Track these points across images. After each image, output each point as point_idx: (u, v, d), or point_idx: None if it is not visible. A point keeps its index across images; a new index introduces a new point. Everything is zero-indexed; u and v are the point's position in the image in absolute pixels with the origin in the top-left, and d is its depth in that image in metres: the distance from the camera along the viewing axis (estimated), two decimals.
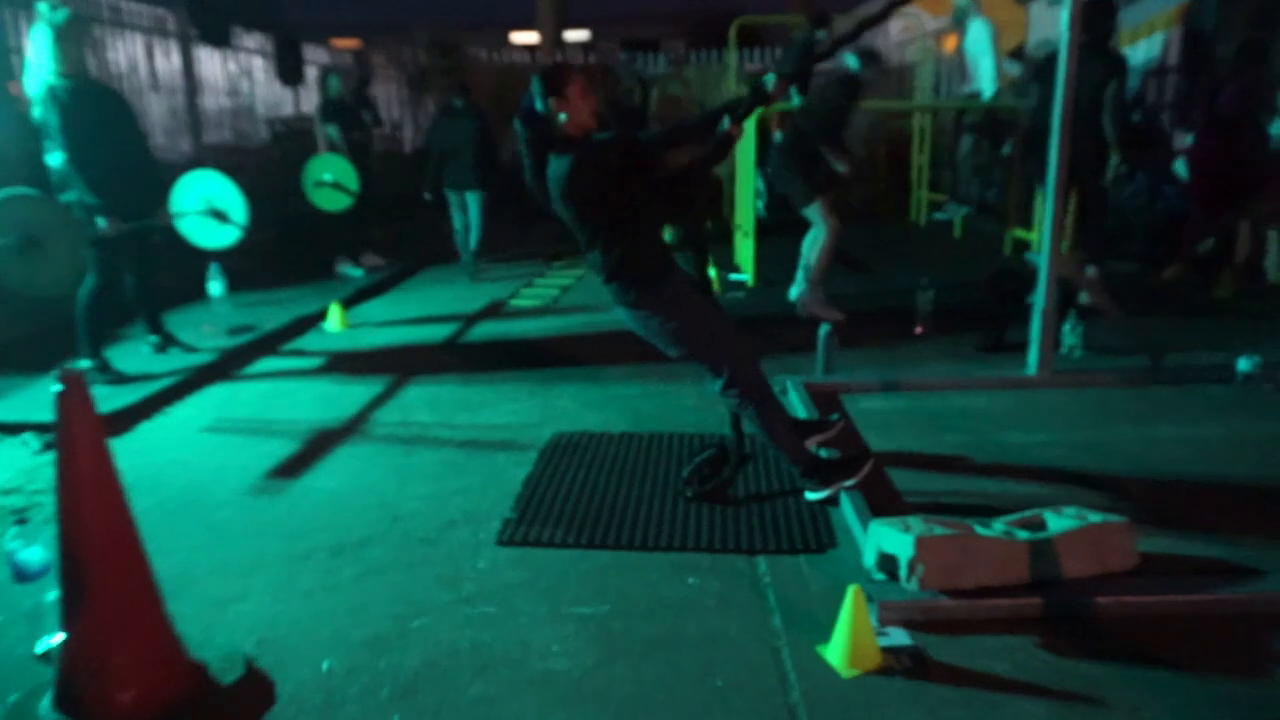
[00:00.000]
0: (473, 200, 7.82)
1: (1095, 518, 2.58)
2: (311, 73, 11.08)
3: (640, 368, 4.74)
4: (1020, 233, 7.49)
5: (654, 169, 3.04)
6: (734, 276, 7.12)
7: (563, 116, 2.95)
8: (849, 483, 3.10)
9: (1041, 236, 4.23)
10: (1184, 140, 8.21)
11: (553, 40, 16.16)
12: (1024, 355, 4.38)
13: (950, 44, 14.99)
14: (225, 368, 5.07)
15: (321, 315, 6.26)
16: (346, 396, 4.54)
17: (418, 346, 5.61)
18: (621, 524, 3.01)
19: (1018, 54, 11.57)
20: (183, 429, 4.15)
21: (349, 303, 6.66)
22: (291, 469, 3.59)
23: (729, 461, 3.24)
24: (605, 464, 3.55)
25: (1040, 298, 4.30)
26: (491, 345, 5.62)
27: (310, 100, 10.84)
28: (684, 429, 3.92)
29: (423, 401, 4.44)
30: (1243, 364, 4.33)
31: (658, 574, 2.70)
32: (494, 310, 6.62)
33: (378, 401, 4.45)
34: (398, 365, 5.12)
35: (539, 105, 2.99)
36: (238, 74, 10.17)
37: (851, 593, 2.24)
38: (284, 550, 2.88)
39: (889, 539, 2.46)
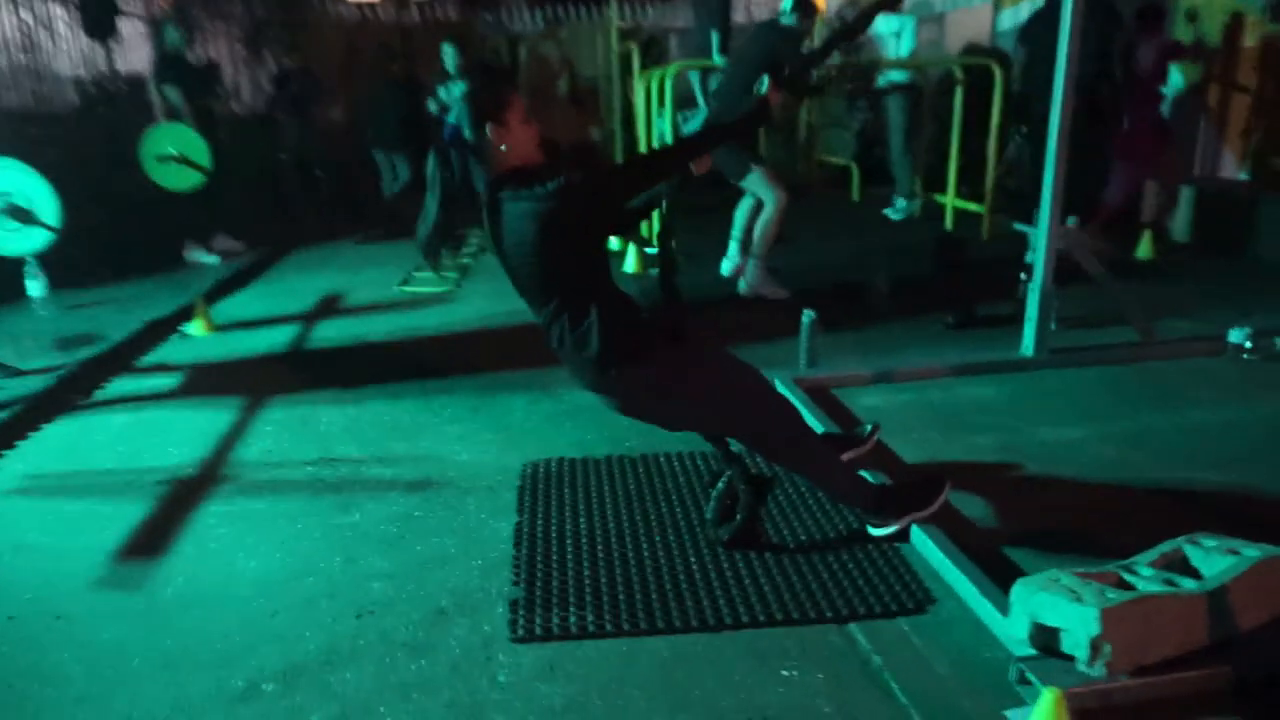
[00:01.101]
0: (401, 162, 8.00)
1: (1252, 552, 2.15)
2: (127, 26, 9.49)
3: None
4: (960, 203, 7.22)
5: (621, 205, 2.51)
6: (651, 251, 6.48)
7: (503, 147, 2.31)
8: (923, 514, 2.58)
9: (1041, 208, 3.84)
10: None
11: None
12: (998, 332, 4.12)
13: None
14: (65, 395, 3.98)
15: (181, 316, 5.17)
16: (237, 427, 3.61)
17: (311, 352, 4.67)
18: (663, 593, 2.36)
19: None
20: (18, 493, 3.12)
21: (210, 298, 5.56)
22: (191, 545, 2.71)
23: (749, 491, 2.62)
24: (604, 504, 2.87)
25: (1039, 273, 3.93)
26: (404, 345, 4.75)
27: (126, 58, 9.28)
28: (672, 443, 3.27)
29: (340, 427, 3.58)
30: (1234, 335, 4.14)
31: (739, 666, 2.08)
32: (391, 300, 5.71)
33: (283, 431, 3.55)
34: (293, 378, 4.20)
35: (468, 134, 2.32)
36: (33, 25, 8.51)
37: (1052, 701, 1.70)
38: (212, 688, 2.03)
39: (1052, 608, 1.94)
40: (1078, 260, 4.12)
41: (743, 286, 5.40)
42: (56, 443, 3.54)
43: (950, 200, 7.18)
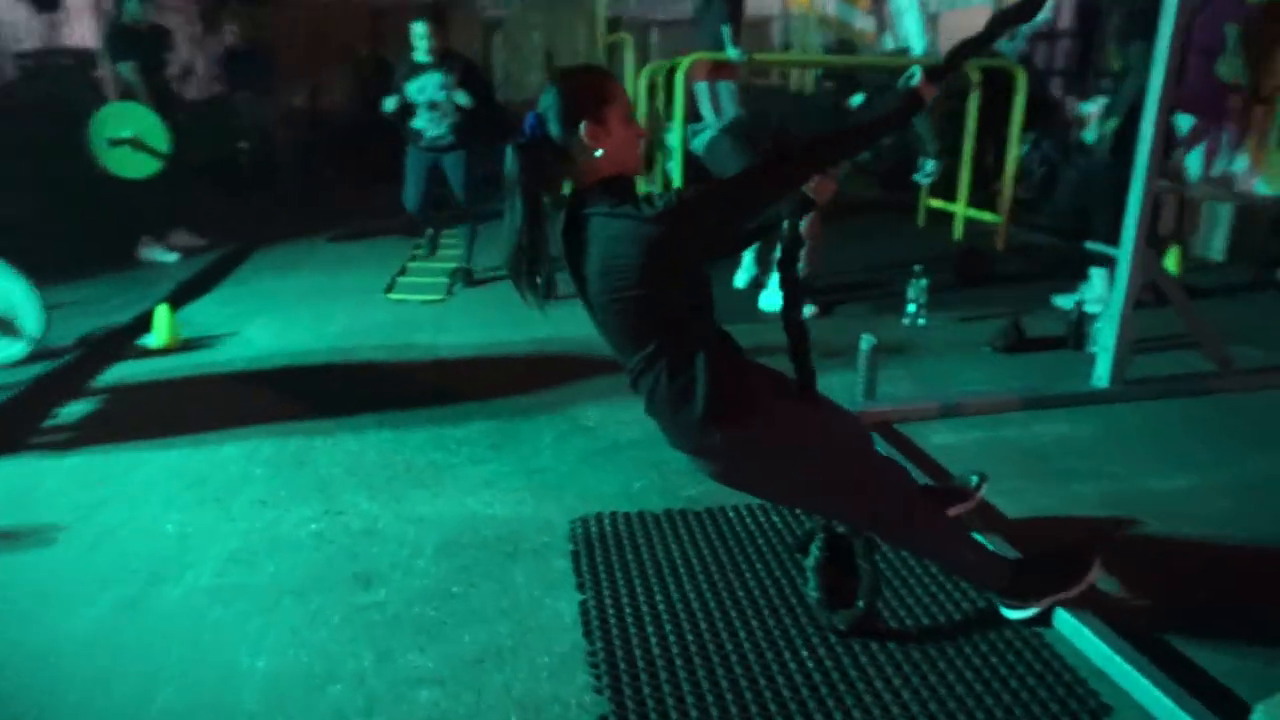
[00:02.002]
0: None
1: None
2: None
3: (612, 381, 3.60)
4: (973, 212, 6.87)
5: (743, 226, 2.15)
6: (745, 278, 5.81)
7: (598, 152, 1.85)
8: (1068, 596, 2.18)
9: (1126, 228, 3.49)
10: (1080, 108, 8.00)
11: None
12: (1048, 356, 3.98)
13: None
14: (4, 426, 3.39)
15: (138, 326, 4.57)
16: (221, 468, 3.07)
17: (294, 370, 4.12)
18: (782, 702, 1.92)
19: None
20: None
21: (173, 303, 4.95)
22: (178, 635, 2.19)
23: (870, 573, 2.19)
24: (679, 575, 2.42)
25: (1119, 299, 3.58)
26: (400, 363, 4.22)
27: (74, 30, 8.51)
28: (736, 493, 2.83)
29: (344, 469, 3.07)
30: None
31: None
32: (375, 307, 5.16)
33: (275, 475, 3.02)
34: (278, 403, 3.66)
35: (555, 130, 1.86)
36: None
37: None
38: None
39: None
40: (1160, 285, 3.78)
41: (765, 302, 4.98)
42: None
43: (961, 209, 6.86)
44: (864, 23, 11.27)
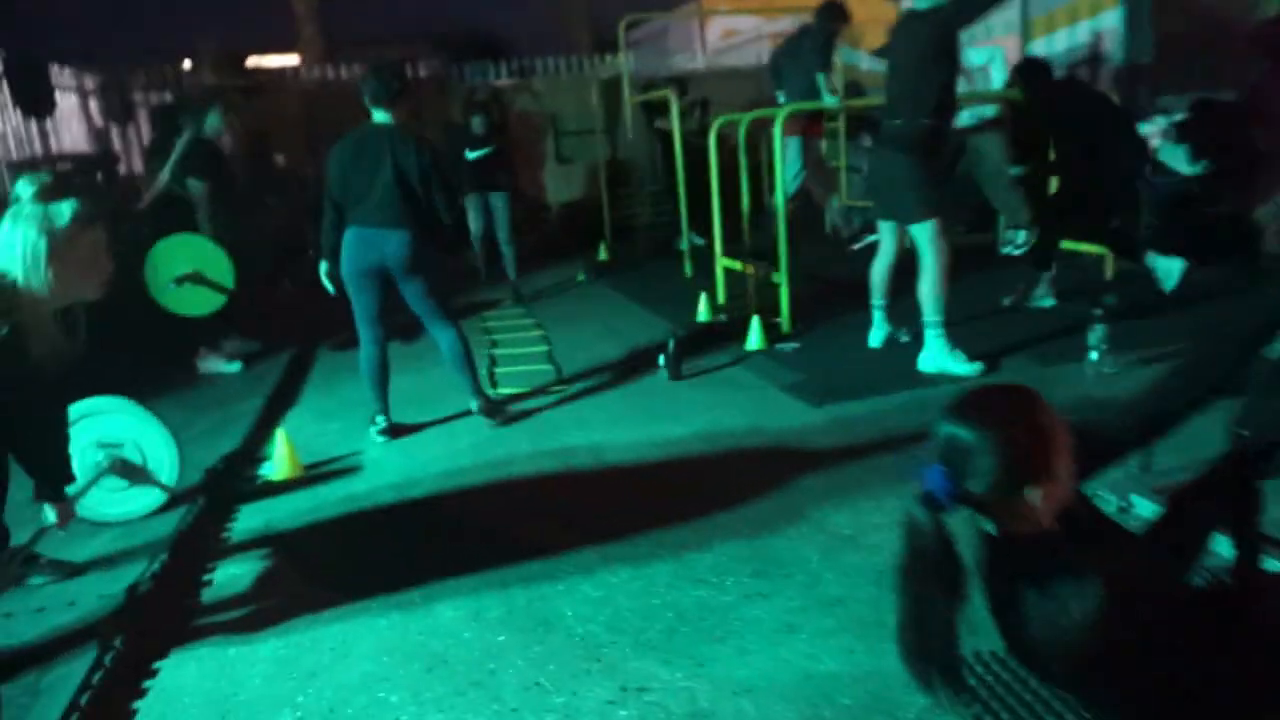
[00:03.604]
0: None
1: None
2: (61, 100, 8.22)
3: (826, 475, 3.12)
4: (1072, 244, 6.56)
5: None
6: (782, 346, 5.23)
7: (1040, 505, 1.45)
8: None
9: None
10: (1140, 128, 7.83)
11: (317, 60, 13.92)
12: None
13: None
14: (166, 603, 2.78)
15: (249, 456, 3.99)
16: (453, 640, 2.50)
17: (455, 497, 3.53)
18: None
19: (884, 53, 11.07)
20: None
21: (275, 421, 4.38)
22: None
23: None
24: None
25: None
26: (579, 478, 3.62)
27: (67, 135, 8.01)
28: None
29: (603, 626, 2.51)
30: None
31: None
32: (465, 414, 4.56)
33: (525, 642, 2.46)
34: (467, 545, 3.10)
35: (980, 488, 1.45)
36: None
37: None
38: None
39: None
40: None
41: (925, 363, 4.56)
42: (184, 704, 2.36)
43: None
44: (870, 64, 11.15)
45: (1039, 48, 8.91)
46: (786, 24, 13.68)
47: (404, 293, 4.03)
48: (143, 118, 10.21)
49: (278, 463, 3.80)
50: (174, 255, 5.08)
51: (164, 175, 5.26)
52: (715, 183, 6.36)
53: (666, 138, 8.72)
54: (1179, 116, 7.30)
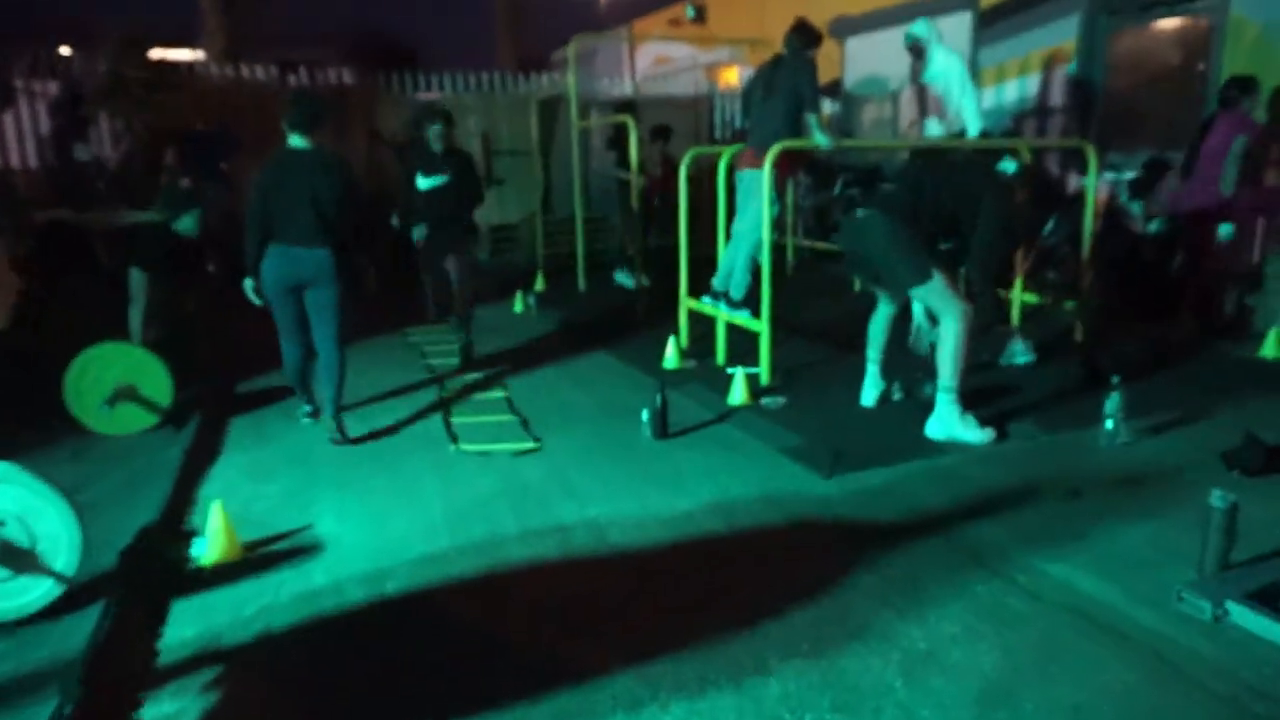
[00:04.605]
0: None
1: None
2: None
3: (872, 578, 2.73)
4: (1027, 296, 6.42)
5: None
6: (768, 401, 4.80)
7: None
8: None
9: None
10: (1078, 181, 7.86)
11: (221, 56, 13.03)
12: None
13: (727, 78, 14.31)
14: None
15: (171, 528, 3.29)
16: None
17: (443, 594, 2.93)
18: None
19: (833, 90, 10.95)
20: None
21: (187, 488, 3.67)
22: None
23: None
24: None
25: None
26: (582, 567, 3.09)
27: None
28: None
29: None
30: None
31: None
32: (465, 469, 4.00)
33: None
34: (477, 671, 2.53)
35: None
36: None
37: None
38: None
39: None
40: None
41: (933, 430, 4.24)
42: None
43: (1018, 294, 6.37)
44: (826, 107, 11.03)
45: (988, 98, 8.98)
46: (723, 55, 13.63)
47: (309, 304, 4.30)
48: (24, 105, 9.11)
49: (211, 541, 3.11)
50: (97, 368, 4.38)
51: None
52: (684, 220, 5.96)
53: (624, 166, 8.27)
54: (1129, 175, 7.40)
